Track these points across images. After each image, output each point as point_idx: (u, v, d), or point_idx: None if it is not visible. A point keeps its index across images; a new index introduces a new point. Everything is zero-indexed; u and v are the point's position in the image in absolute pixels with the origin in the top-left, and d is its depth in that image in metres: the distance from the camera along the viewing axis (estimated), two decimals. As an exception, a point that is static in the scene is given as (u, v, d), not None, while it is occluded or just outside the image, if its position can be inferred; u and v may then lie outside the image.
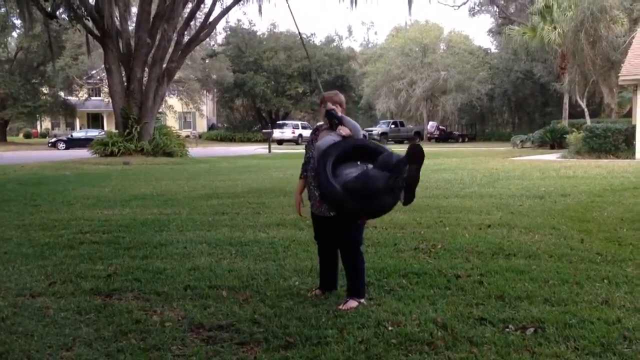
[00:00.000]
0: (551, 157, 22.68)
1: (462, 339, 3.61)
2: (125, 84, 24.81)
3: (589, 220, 7.76)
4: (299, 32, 6.11)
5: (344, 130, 4.17)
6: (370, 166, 3.93)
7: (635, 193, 10.51)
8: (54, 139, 43.59)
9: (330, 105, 4.39)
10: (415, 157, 3.65)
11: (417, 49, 52.07)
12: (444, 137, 51.77)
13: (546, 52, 35.41)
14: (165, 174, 16.30)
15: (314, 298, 4.48)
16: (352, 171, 3.90)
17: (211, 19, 26.44)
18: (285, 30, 56.39)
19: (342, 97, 4.53)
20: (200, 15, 29.91)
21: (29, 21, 24.75)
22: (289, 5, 5.22)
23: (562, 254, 5.74)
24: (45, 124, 61.87)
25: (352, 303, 4.24)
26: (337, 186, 3.77)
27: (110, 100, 26.09)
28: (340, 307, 4.20)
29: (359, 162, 4.03)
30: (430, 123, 53.07)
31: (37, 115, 53.13)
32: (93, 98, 52.47)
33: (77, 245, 6.45)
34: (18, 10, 25.43)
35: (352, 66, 59.30)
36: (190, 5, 26.66)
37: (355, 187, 3.73)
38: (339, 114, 4.33)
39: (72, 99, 50.98)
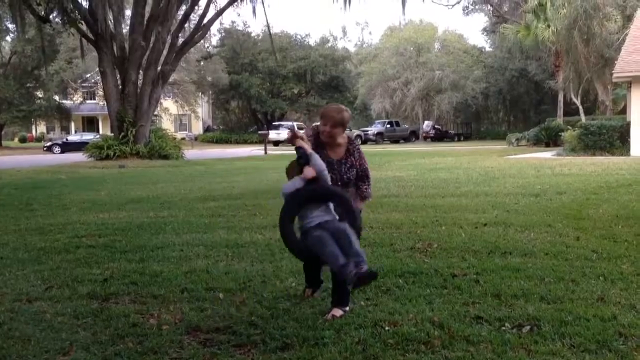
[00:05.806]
0: (546, 155, 22.74)
1: (459, 337, 3.62)
2: (120, 87, 24.78)
3: (585, 217, 7.78)
4: None
5: (309, 172, 3.98)
6: (336, 217, 4.02)
7: (630, 190, 10.55)
8: (49, 143, 43.54)
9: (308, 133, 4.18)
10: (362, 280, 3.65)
11: (411, 49, 52.18)
12: (440, 136, 51.88)
13: (540, 50, 35.56)
14: (161, 177, 16.28)
15: (309, 299, 4.48)
16: (317, 214, 3.99)
17: (205, 20, 26.46)
18: (279, 31, 56.43)
19: (345, 115, 4.20)
20: (194, 17, 29.93)
21: (22, 25, 24.72)
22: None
23: (557, 252, 5.75)
24: (41, 128, 61.80)
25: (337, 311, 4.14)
26: (300, 243, 3.99)
27: (105, 104, 26.08)
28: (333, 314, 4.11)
29: (326, 204, 4.06)
30: (426, 122, 53.17)
31: (32, 120, 53.14)
32: (88, 101, 52.36)
33: (73, 250, 6.43)
34: (11, 14, 25.35)
35: (347, 66, 59.36)
36: (184, 7, 26.65)
37: (313, 250, 3.91)
38: (308, 151, 4.04)
39: (67, 102, 50.92)
